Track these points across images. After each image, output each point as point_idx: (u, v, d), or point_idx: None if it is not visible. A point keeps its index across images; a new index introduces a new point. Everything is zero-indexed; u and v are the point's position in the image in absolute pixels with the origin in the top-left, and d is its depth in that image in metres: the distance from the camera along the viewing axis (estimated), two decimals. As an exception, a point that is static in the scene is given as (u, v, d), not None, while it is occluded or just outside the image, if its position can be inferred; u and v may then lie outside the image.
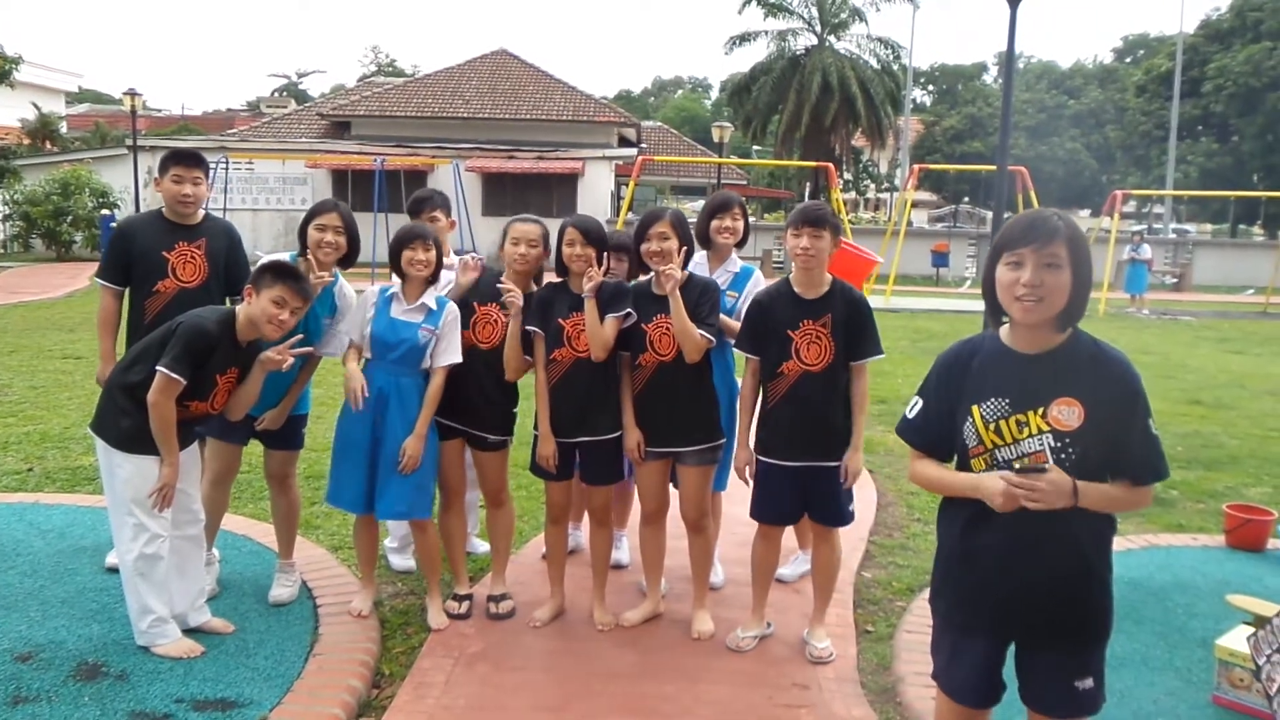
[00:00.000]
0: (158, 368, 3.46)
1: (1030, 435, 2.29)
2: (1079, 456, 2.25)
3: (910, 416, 2.54)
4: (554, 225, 3.94)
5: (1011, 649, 2.49)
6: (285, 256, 4.05)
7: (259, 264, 3.68)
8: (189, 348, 3.48)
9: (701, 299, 3.84)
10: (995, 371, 2.37)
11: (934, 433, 2.48)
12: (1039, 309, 2.26)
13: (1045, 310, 2.26)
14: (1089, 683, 2.38)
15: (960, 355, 2.47)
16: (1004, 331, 2.41)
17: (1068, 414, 2.26)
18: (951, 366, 2.46)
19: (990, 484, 2.26)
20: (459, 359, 3.94)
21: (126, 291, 4.27)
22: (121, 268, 4.21)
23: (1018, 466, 2.27)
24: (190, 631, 3.75)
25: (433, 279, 3.99)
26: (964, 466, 2.43)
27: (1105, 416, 2.25)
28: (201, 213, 4.29)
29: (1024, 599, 2.36)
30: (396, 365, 3.90)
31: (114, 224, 5.85)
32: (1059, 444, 2.27)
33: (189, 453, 3.74)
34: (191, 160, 4.20)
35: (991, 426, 2.33)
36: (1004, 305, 2.32)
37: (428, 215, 4.58)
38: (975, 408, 2.36)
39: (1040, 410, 2.28)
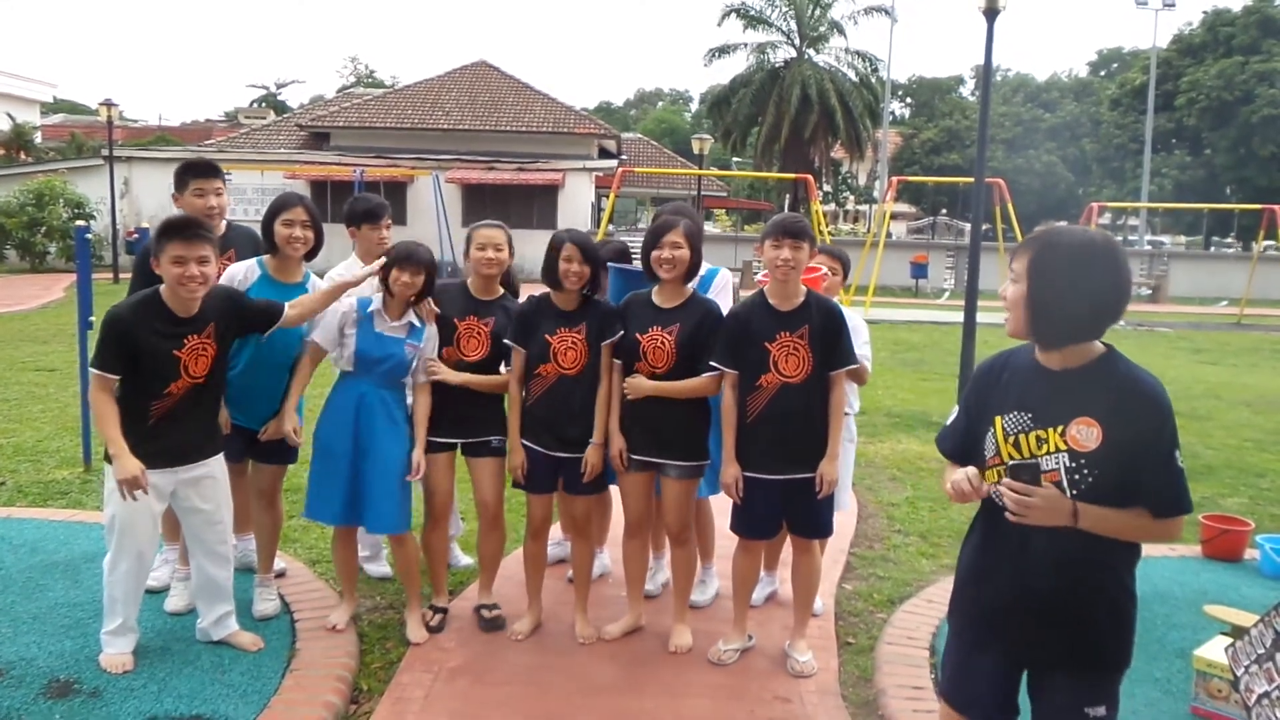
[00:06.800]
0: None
1: (1048, 453, 2.27)
2: (1096, 479, 2.21)
3: (947, 424, 2.59)
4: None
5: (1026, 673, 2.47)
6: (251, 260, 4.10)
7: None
8: (104, 339, 3.44)
9: (704, 325, 3.83)
10: (1022, 385, 2.36)
11: (961, 441, 2.50)
12: (1009, 323, 2.34)
13: (1011, 325, 2.34)
14: (1100, 710, 2.33)
15: (994, 366, 2.48)
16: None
17: (1085, 434, 2.23)
18: (985, 377, 2.48)
19: (953, 474, 2.33)
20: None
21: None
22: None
23: (1010, 464, 2.26)
24: (214, 644, 3.77)
25: (418, 300, 3.96)
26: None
27: (1124, 441, 2.20)
28: (225, 223, 4.25)
29: (1033, 619, 2.34)
30: (381, 378, 3.90)
31: (89, 235, 5.74)
32: (1074, 464, 2.24)
33: (216, 464, 3.70)
34: (210, 170, 4.18)
35: (1011, 439, 2.32)
36: None
37: (385, 225, 4.52)
38: (998, 419, 2.36)
39: (1060, 428, 2.26)
